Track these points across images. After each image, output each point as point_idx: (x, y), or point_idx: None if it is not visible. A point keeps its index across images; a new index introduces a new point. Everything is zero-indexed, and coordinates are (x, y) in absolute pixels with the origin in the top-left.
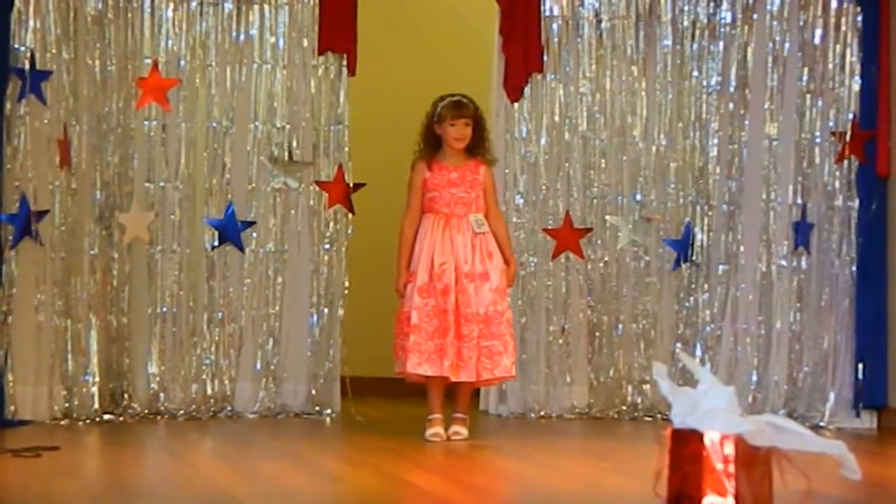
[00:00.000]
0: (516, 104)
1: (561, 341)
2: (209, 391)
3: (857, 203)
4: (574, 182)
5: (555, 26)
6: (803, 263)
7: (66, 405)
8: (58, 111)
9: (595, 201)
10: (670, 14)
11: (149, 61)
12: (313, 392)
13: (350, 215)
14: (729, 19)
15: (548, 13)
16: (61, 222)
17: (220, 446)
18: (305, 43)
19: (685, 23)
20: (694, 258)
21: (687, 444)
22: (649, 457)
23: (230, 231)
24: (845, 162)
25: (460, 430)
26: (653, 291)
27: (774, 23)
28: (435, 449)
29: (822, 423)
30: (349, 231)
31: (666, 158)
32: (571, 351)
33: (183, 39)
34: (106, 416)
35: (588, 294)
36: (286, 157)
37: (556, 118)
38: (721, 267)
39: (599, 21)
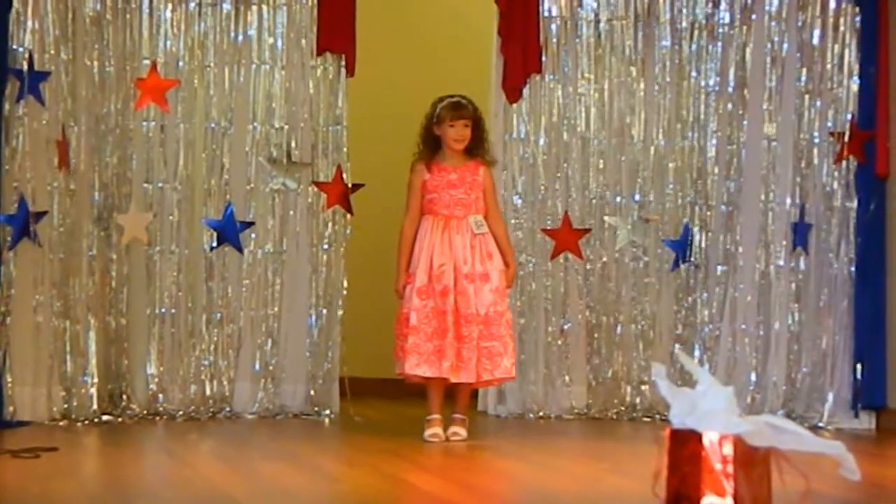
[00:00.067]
0: (515, 105)
1: (560, 342)
2: (208, 392)
3: (855, 203)
4: (573, 182)
5: (553, 27)
6: (802, 264)
7: (65, 406)
8: (56, 112)
9: (594, 202)
10: (669, 14)
11: (147, 62)
12: (312, 393)
13: (349, 216)
14: (727, 20)
15: (546, 14)
16: (60, 223)
17: (219, 447)
18: (304, 43)
19: (684, 23)
20: (692, 259)
21: (686, 445)
22: (648, 457)
23: (229, 232)
24: (844, 162)
25: (459, 431)
26: (651, 292)
27: (773, 23)
28: (434, 449)
29: (820, 424)
30: (348, 232)
31: (665, 159)
32: (570, 351)
33: (181, 40)
34: (105, 417)
35: (587, 294)
36: (285, 158)
37: (555, 119)
38: (720, 267)
39: (598, 22)
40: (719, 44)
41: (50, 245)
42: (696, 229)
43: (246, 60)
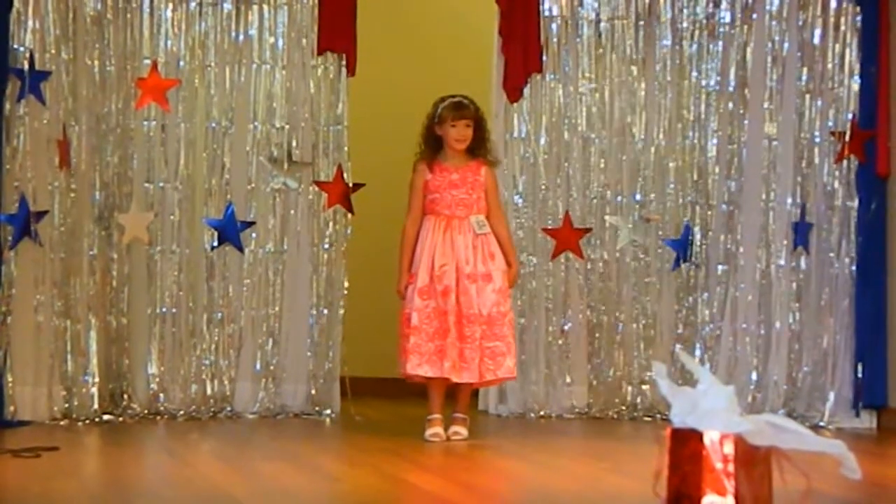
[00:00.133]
0: (516, 104)
1: (560, 341)
2: (209, 391)
3: (856, 203)
4: (573, 182)
5: (554, 26)
6: (803, 263)
7: (66, 406)
8: (57, 112)
9: (594, 201)
10: (669, 14)
11: (148, 62)
12: (313, 392)
13: (349, 215)
14: (728, 19)
15: (547, 13)
16: (60, 223)
17: (220, 447)
18: (305, 43)
19: (684, 23)
20: (693, 258)
21: (686, 444)
22: (649, 456)
23: (229, 231)
24: (845, 162)
25: (460, 431)
26: (652, 291)
27: (774, 23)
28: (434, 449)
29: (821, 423)
30: (348, 231)
31: (665, 158)
32: (571, 351)
33: (182, 40)
34: (105, 417)
35: (587, 294)
36: (286, 158)
37: (556, 118)
38: (720, 267)
39: (599, 21)
40: (720, 43)
41: (51, 244)
42: (696, 229)
43: (247, 60)
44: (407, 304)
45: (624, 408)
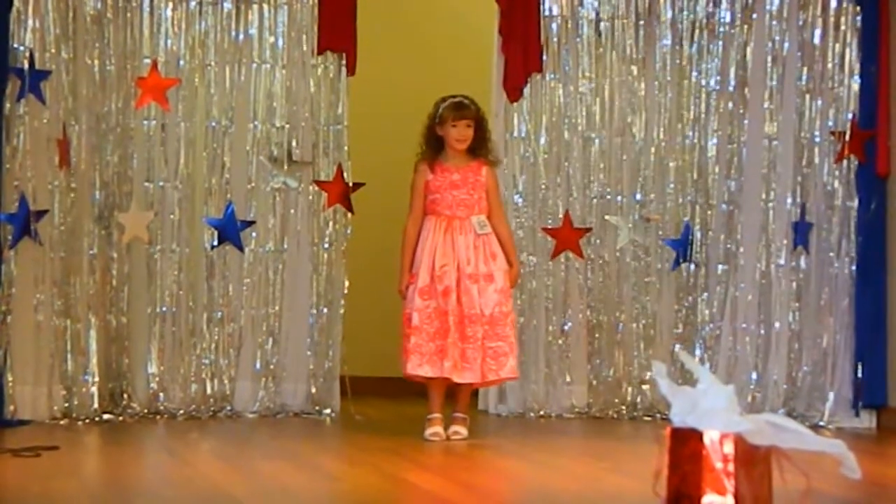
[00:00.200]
0: (516, 104)
1: (560, 341)
2: (209, 391)
3: (856, 202)
4: (573, 182)
5: (554, 26)
6: (802, 263)
7: (66, 405)
8: (57, 111)
9: (594, 201)
10: (670, 14)
11: (148, 61)
12: (313, 391)
13: (349, 215)
14: (728, 19)
15: (547, 13)
16: (60, 222)
17: (220, 446)
18: (305, 42)
19: (684, 22)
20: (693, 258)
21: (686, 444)
22: (649, 456)
23: (229, 230)
24: (845, 161)
25: (460, 430)
26: (652, 291)
27: (774, 22)
28: (434, 448)
29: (821, 423)
30: (348, 231)
31: (665, 158)
32: (571, 350)
33: (182, 39)
34: (105, 416)
35: (587, 294)
36: (285, 157)
37: (556, 118)
38: (720, 266)
39: (599, 21)
40: (720, 43)
41: (51, 244)
42: (696, 228)
43: (247, 59)
44: (408, 304)
45: (624, 407)
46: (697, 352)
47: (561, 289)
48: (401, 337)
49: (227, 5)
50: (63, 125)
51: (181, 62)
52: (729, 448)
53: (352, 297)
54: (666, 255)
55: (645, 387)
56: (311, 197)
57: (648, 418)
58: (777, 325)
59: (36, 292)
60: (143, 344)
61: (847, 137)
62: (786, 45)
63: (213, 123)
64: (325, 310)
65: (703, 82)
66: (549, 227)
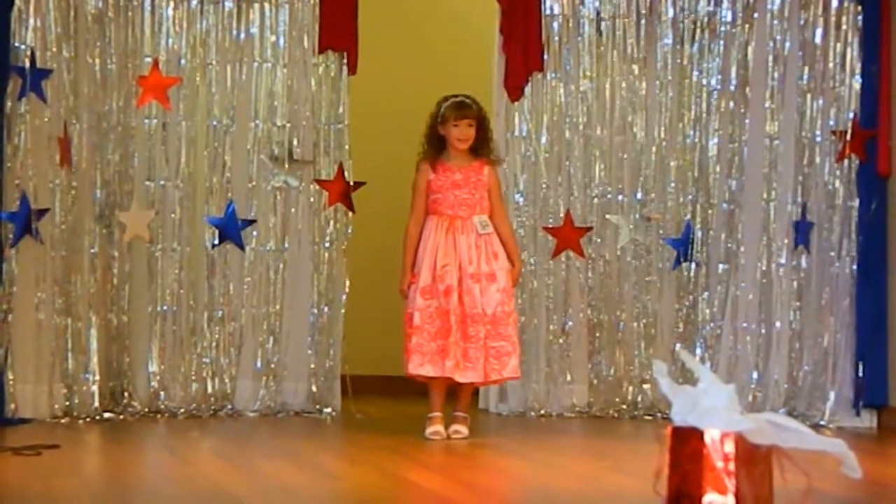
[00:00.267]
0: (517, 103)
1: (561, 340)
2: (209, 389)
3: (857, 202)
4: (574, 181)
5: (555, 25)
6: (803, 262)
7: (67, 403)
8: (58, 109)
9: (595, 200)
10: (671, 13)
11: (149, 60)
12: (314, 390)
13: (350, 214)
14: (729, 18)
15: (548, 12)
16: (62, 220)
17: (221, 445)
18: (306, 41)
19: (686, 21)
20: (694, 257)
21: (687, 443)
22: (649, 455)
23: (230, 229)
24: (846, 161)
25: (460, 429)
26: (653, 290)
27: (775, 22)
28: (435, 447)
29: (822, 422)
30: (349, 230)
31: (666, 157)
32: (572, 349)
33: (183, 38)
34: (106, 415)
35: (588, 293)
36: (286, 156)
37: (557, 117)
38: (721, 266)
39: (600, 20)
40: (721, 42)
41: (52, 242)
42: (697, 228)
43: (248, 58)
44: (409, 303)
45: (624, 406)
46: (698, 351)
47: (562, 288)
48: (402, 336)
49: (229, 4)
50: (64, 124)
51: (182, 61)
52: (730, 447)
53: (352, 296)
54: (667, 255)
55: (646, 386)
56: (311, 196)
57: (649, 417)
58: (778, 324)
59: (37, 291)
60: (143, 342)
61: (848, 137)
62: (787, 44)
63: (215, 122)
64: (326, 309)
65: (705, 81)
66: (550, 226)
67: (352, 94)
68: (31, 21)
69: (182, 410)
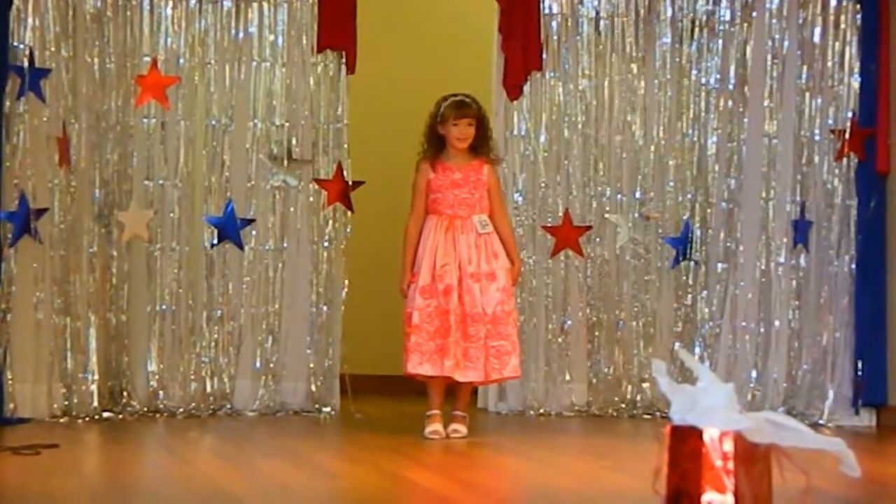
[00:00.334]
0: (516, 102)
1: (560, 339)
2: (208, 389)
3: (856, 201)
4: (573, 180)
5: (554, 24)
6: (802, 261)
7: (66, 403)
8: (57, 109)
9: (594, 199)
10: (670, 12)
11: (148, 59)
12: (313, 390)
13: (349, 213)
14: (728, 17)
15: (547, 11)
16: (60, 220)
17: (220, 444)
18: (305, 41)
19: (684, 21)
20: (693, 256)
21: (686, 442)
22: (648, 454)
23: (229, 229)
24: (845, 160)
25: (459, 428)
26: (652, 289)
27: (774, 21)
28: (434, 446)
29: (821, 421)
30: (348, 229)
31: (665, 156)
32: (571, 348)
33: (182, 37)
34: (105, 414)
35: (587, 292)
36: (285, 155)
37: (556, 116)
38: (720, 265)
39: (599, 19)
40: (720, 41)
41: (51, 242)
42: (696, 226)
43: (247, 57)
44: (409, 303)
45: (623, 405)
46: (697, 350)
47: (561, 287)
48: (401, 336)
49: (227, 3)
50: (63, 123)
51: (181, 60)
52: (729, 446)
53: (351, 296)
54: (666, 254)
55: (645, 385)
56: (310, 195)
57: (648, 416)
58: (777, 323)
59: (36, 290)
60: (142, 342)
61: (847, 135)
62: (786, 43)
63: (213, 122)
64: (325, 308)
65: (703, 80)
66: (549, 225)
67: (351, 94)
68: (30, 20)
69: (181, 410)
